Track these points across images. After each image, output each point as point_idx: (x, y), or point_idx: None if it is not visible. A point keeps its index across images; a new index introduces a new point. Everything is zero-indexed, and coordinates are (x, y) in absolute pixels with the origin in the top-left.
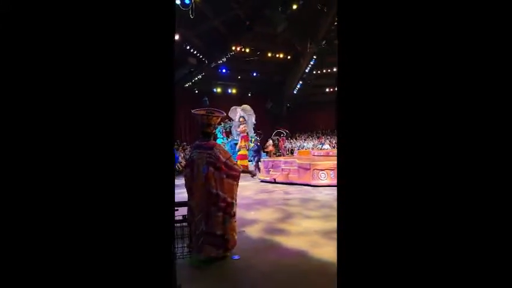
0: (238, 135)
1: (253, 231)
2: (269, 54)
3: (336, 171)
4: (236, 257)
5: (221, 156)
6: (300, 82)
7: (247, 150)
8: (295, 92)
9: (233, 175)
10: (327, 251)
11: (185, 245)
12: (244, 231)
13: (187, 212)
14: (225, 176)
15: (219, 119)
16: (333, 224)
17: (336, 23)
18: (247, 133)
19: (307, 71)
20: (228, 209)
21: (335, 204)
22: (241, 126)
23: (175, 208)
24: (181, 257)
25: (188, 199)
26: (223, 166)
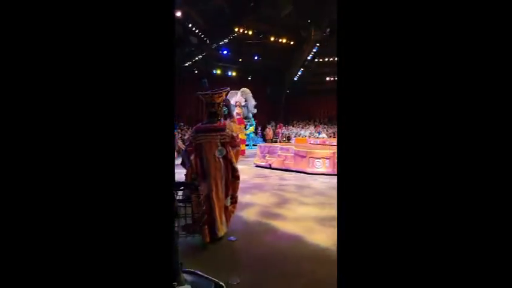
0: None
1: (249, 215)
2: (272, 39)
3: (331, 160)
4: (233, 238)
5: (234, 134)
6: (302, 69)
7: (245, 134)
8: (295, 79)
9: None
10: (321, 237)
11: (185, 224)
12: (234, 239)
13: (191, 193)
14: (235, 150)
15: (223, 97)
16: (327, 211)
17: None
18: (241, 116)
19: (309, 58)
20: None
21: (330, 192)
22: (237, 108)
23: (182, 188)
24: (183, 235)
25: (197, 183)
26: (236, 142)
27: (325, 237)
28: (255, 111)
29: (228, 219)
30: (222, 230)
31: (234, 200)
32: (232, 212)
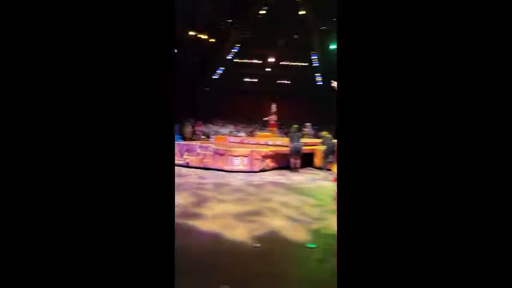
0: None
1: None
2: (191, 33)
3: (249, 157)
4: None
5: None
6: (222, 68)
7: None
8: (215, 78)
9: None
10: (239, 232)
11: None
12: None
13: None
14: None
15: None
16: (245, 207)
17: (258, 15)
18: None
19: (229, 57)
20: None
21: (247, 188)
22: None
23: None
24: None
25: None
26: None
27: (242, 232)
28: None
29: None
30: None
31: None
32: None
